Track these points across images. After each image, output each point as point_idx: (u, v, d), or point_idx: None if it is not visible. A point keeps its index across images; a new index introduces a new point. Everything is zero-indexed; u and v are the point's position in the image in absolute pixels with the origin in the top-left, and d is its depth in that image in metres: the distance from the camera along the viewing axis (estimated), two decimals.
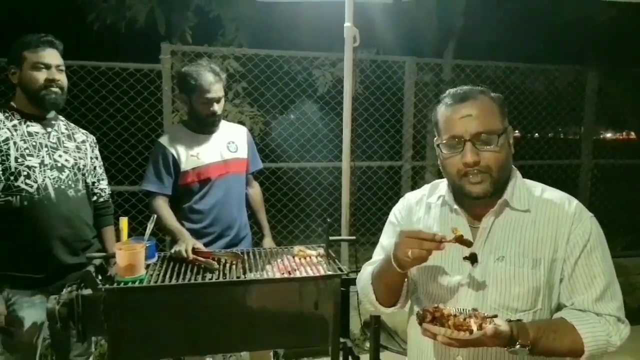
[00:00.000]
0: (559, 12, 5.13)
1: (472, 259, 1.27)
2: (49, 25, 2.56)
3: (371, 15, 4.07)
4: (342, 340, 1.89)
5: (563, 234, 1.26)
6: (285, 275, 1.82)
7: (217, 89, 2.39)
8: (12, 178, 2.03)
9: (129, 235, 1.92)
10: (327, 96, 4.42)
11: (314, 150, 4.35)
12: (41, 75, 2.07)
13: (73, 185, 2.18)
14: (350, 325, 2.04)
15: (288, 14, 4.34)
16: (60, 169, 2.15)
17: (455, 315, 1.16)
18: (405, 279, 1.37)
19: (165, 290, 1.75)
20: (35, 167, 2.07)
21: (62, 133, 2.22)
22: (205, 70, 2.39)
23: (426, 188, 1.49)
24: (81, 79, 3.48)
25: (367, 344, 3.31)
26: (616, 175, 5.41)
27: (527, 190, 1.33)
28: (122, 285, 1.71)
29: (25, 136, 2.09)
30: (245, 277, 1.84)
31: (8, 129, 2.06)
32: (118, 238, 2.11)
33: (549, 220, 1.28)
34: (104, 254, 2.11)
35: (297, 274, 1.83)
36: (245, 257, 2.04)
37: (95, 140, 2.40)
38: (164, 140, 2.45)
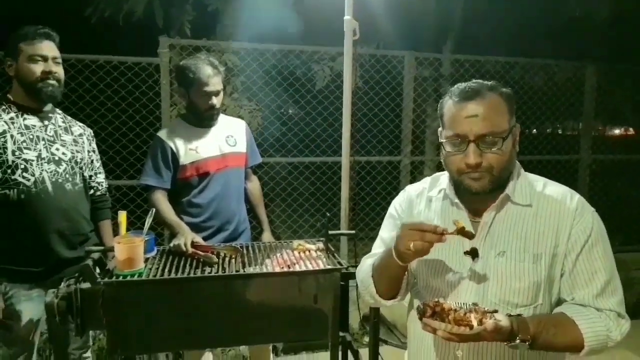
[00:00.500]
0: (558, 10, 5.12)
1: (473, 253, 1.27)
2: (46, 18, 2.53)
3: (370, 10, 4.04)
4: (341, 334, 1.89)
5: (564, 229, 1.25)
6: (285, 269, 1.82)
7: (215, 82, 2.38)
8: (9, 171, 2.02)
9: (127, 229, 1.91)
10: (325, 90, 4.40)
11: (312, 145, 4.34)
12: (38, 68, 2.05)
13: (70, 179, 2.17)
14: (350, 319, 2.04)
15: (288, 7, 4.32)
16: (58, 162, 2.13)
17: (455, 310, 1.16)
18: (405, 272, 1.36)
19: (164, 284, 1.75)
20: (33, 161, 2.06)
21: (59, 126, 2.21)
22: (204, 64, 2.37)
23: (427, 181, 1.47)
24: (79, 72, 3.46)
25: (366, 338, 3.32)
26: (615, 171, 5.41)
27: (529, 185, 1.32)
28: (121, 278, 1.71)
29: (22, 129, 2.07)
30: (244, 271, 1.84)
31: (5, 122, 2.05)
32: (115, 232, 2.10)
33: (550, 214, 1.27)
34: (102, 247, 2.11)
35: (297, 268, 1.82)
36: (245, 251, 2.03)
37: (92, 134, 2.39)
38: (162, 134, 2.44)
